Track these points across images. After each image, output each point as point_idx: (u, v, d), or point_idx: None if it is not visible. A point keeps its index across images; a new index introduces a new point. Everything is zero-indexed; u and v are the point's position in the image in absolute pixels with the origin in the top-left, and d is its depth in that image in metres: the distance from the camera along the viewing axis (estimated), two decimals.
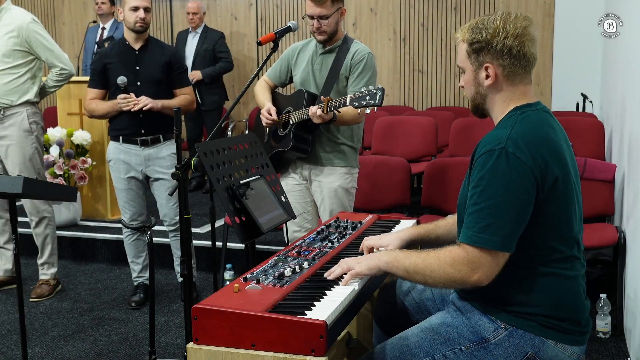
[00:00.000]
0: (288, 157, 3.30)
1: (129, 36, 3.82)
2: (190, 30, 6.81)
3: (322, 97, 3.09)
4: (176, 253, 4.02)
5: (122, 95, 3.71)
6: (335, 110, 3.00)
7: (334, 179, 3.27)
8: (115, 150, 3.87)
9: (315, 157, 3.28)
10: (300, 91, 3.25)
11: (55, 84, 4.14)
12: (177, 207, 3.90)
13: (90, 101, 3.86)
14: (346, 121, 3.16)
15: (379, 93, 2.83)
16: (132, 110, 3.70)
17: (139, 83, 3.78)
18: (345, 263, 1.94)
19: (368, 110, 2.88)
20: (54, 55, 4.02)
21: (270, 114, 3.23)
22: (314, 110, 3.00)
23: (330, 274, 1.94)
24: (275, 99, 3.41)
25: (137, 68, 3.79)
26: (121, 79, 3.71)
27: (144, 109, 3.69)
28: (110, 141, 3.92)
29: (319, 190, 3.30)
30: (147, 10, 3.76)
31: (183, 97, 3.88)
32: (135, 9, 3.73)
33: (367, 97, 2.85)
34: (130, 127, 3.80)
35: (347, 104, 2.90)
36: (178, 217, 3.89)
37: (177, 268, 4.04)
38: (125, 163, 3.85)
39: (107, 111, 3.81)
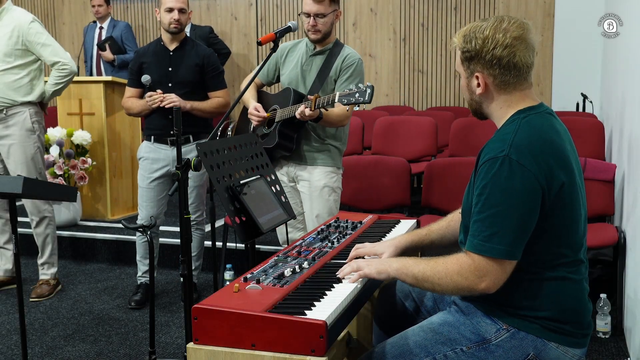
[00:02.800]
0: (273, 156, 3.31)
1: (165, 37, 3.85)
2: None
3: (309, 95, 3.10)
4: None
5: (149, 93, 3.76)
6: (322, 109, 3.01)
7: (321, 178, 3.30)
8: (146, 149, 3.92)
9: (302, 156, 3.31)
10: (287, 89, 3.27)
11: (57, 81, 4.04)
12: (196, 206, 3.94)
13: (127, 99, 3.94)
14: (332, 121, 3.18)
15: (368, 90, 2.81)
16: (160, 106, 3.73)
17: (170, 84, 3.80)
18: (355, 263, 1.94)
19: (357, 107, 2.88)
20: (54, 51, 3.99)
21: (259, 111, 3.26)
22: (302, 109, 3.00)
23: (340, 272, 1.95)
24: (261, 97, 3.44)
25: (170, 69, 3.82)
26: (145, 77, 3.74)
27: (166, 106, 3.71)
28: (143, 140, 3.99)
29: (305, 189, 3.32)
30: (182, 11, 3.78)
31: (215, 100, 3.89)
32: (170, 10, 3.76)
33: (357, 95, 2.83)
34: (160, 127, 3.84)
35: (336, 100, 2.90)
36: (195, 215, 3.93)
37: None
38: (154, 162, 3.88)
39: (141, 109, 3.88)
